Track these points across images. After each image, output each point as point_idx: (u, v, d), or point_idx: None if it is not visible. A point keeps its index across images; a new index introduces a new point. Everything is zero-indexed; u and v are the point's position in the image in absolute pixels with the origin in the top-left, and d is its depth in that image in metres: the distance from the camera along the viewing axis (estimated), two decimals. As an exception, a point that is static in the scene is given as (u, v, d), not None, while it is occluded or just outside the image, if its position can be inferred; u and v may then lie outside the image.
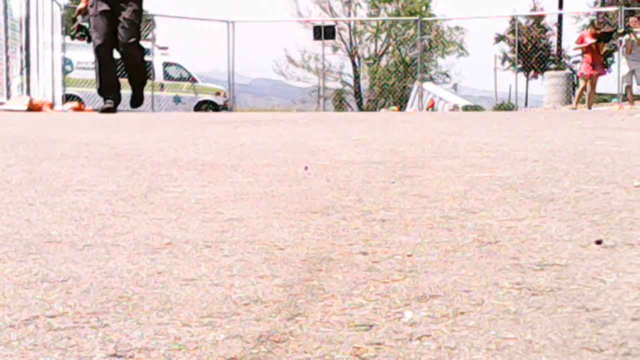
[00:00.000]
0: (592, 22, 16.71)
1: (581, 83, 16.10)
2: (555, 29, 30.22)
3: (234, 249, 1.62)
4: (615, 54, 20.96)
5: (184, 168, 3.01)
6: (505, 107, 22.94)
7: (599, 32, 16.17)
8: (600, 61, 15.81)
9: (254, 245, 1.65)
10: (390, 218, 1.95)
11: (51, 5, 14.80)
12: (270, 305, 1.22)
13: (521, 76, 28.12)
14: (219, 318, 1.16)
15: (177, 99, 23.25)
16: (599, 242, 1.64)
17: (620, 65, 16.98)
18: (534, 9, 32.98)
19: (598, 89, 16.63)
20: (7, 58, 13.36)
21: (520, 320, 1.14)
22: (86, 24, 8.52)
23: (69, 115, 10.85)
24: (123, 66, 8.80)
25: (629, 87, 16.17)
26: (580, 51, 16.15)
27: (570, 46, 16.72)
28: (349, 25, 38.57)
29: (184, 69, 24.28)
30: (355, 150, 3.83)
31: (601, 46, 15.87)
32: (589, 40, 15.45)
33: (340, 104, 35.94)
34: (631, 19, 16.14)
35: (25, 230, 1.82)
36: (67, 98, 16.30)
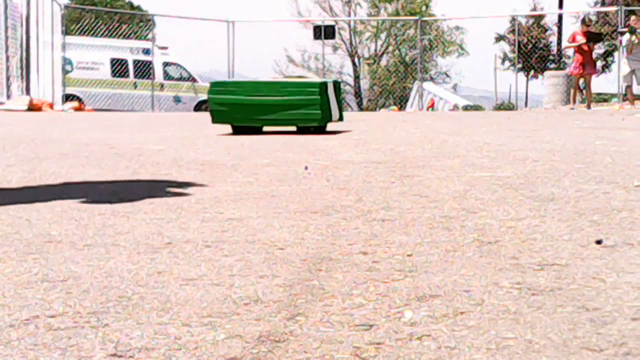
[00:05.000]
0: (583, 20, 16.66)
1: (574, 82, 16.14)
2: (555, 29, 30.21)
3: (234, 248, 1.62)
4: (616, 53, 20.95)
5: (184, 168, 3.01)
6: (505, 107, 22.92)
7: (589, 29, 16.17)
8: (591, 61, 15.81)
9: (254, 245, 1.65)
10: (390, 218, 1.95)
11: (51, 5, 14.80)
12: (270, 305, 1.22)
13: (521, 76, 28.08)
14: (219, 318, 1.16)
15: (177, 99, 23.23)
16: (599, 242, 1.64)
17: (620, 65, 16.98)
18: (534, 9, 32.95)
19: (597, 89, 16.66)
20: (7, 58, 13.36)
21: (520, 320, 1.14)
22: None
23: (69, 115, 10.85)
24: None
25: (629, 87, 16.18)
26: (572, 50, 16.17)
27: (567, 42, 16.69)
28: (349, 25, 38.56)
29: (184, 68, 24.26)
30: (355, 150, 3.83)
31: (592, 46, 15.88)
32: (580, 39, 15.46)
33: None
34: (632, 18, 16.13)
35: (25, 230, 1.82)
36: (67, 98, 16.30)
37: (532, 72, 29.48)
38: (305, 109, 5.11)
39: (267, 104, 5.12)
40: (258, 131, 5.24)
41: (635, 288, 1.30)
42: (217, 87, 5.61)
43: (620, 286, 1.31)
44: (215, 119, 5.36)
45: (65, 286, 1.34)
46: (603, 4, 27.72)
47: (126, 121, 7.10)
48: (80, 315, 1.18)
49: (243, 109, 5.16)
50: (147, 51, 22.21)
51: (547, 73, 22.09)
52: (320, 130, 5.31)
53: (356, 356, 1.01)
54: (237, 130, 5.28)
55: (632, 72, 15.98)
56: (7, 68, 13.38)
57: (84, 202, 2.21)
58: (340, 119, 5.74)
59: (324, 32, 22.44)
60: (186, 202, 2.19)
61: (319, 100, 5.30)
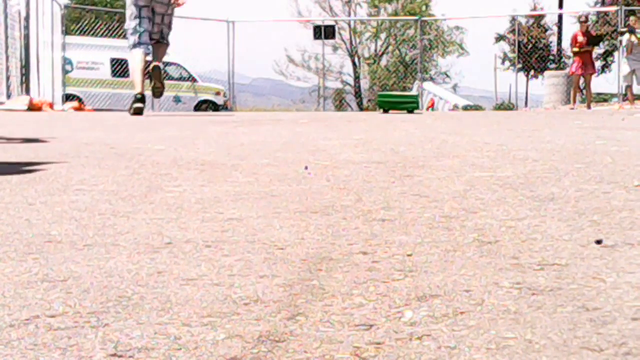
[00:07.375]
0: (578, 19, 16.71)
1: (574, 82, 16.18)
2: (555, 28, 30.23)
3: (234, 248, 1.62)
4: (616, 53, 20.94)
5: (184, 168, 3.01)
6: (505, 106, 22.93)
7: (589, 28, 16.22)
8: (591, 61, 15.88)
9: (254, 245, 1.65)
10: (390, 218, 1.95)
11: (51, 5, 14.80)
12: (270, 305, 1.22)
13: (521, 76, 28.13)
14: (219, 318, 1.16)
15: (177, 99, 23.23)
16: (599, 242, 1.64)
17: (620, 65, 17.00)
18: (534, 9, 32.98)
19: (597, 89, 16.72)
20: (7, 58, 13.35)
21: (520, 320, 1.14)
22: None
23: (69, 115, 10.85)
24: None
25: (629, 87, 16.21)
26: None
27: (569, 46, 16.75)
28: (349, 25, 38.57)
29: (184, 68, 24.25)
30: (355, 150, 3.83)
31: (591, 48, 15.95)
32: (581, 39, 15.52)
33: (340, 104, 35.93)
34: (631, 18, 16.17)
35: (25, 230, 1.82)
36: (67, 98, 16.29)
37: (532, 72, 29.46)
38: (412, 104, 10.69)
39: (397, 101, 10.88)
40: (387, 112, 10.28)
41: (635, 288, 1.30)
42: (381, 94, 12.18)
43: (620, 286, 1.31)
44: (380, 107, 10.69)
45: (65, 286, 1.34)
46: (603, 4, 27.70)
47: (126, 121, 7.11)
48: (80, 315, 1.18)
49: (388, 103, 10.63)
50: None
51: (547, 73, 22.08)
52: (413, 112, 10.20)
53: (356, 356, 1.01)
54: (385, 111, 10.28)
55: (632, 72, 15.97)
56: (7, 68, 13.37)
57: (84, 202, 2.21)
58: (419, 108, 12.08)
59: (324, 32, 22.44)
60: (186, 202, 2.19)
61: (417, 100, 11.74)
